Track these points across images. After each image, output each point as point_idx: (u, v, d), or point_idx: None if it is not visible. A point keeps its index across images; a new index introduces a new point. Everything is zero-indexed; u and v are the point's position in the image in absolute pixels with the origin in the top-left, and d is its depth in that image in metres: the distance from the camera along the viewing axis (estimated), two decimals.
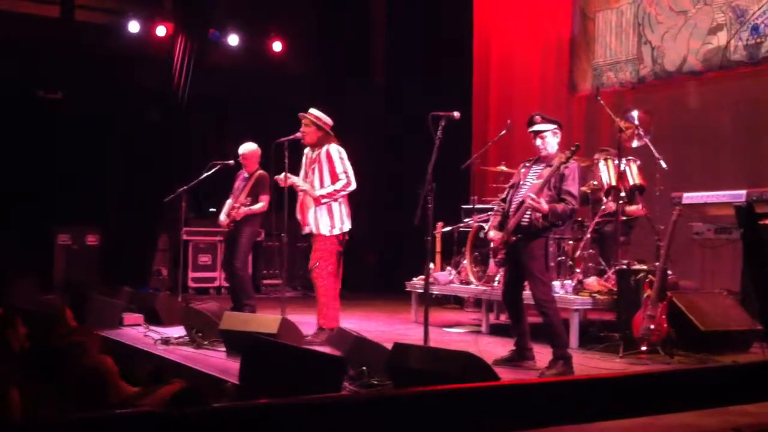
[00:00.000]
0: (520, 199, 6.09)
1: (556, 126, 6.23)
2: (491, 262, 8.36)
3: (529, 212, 5.99)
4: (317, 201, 7.26)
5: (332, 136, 7.42)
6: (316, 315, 7.43)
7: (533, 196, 5.87)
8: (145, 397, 4.57)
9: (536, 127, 6.21)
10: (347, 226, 7.38)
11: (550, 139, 6.20)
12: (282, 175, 7.40)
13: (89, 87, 11.74)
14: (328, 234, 7.28)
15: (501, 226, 6.22)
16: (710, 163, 9.44)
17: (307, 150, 7.52)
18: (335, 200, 7.30)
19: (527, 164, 6.36)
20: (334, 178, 7.28)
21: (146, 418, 2.05)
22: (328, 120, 7.44)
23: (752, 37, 9.07)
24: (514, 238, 6.04)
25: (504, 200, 6.39)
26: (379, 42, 14.36)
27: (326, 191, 7.27)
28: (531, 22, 11.75)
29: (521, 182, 6.26)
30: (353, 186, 7.30)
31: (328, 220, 7.28)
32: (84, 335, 4.14)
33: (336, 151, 7.33)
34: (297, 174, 7.54)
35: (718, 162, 9.37)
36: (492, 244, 6.36)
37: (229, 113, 12.86)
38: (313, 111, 7.45)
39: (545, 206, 5.87)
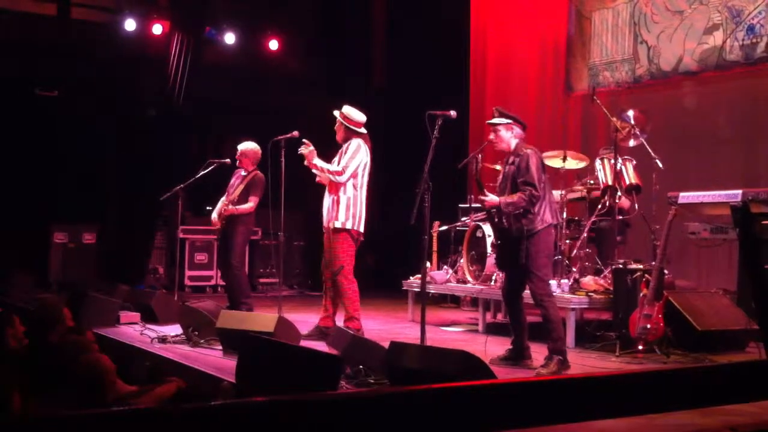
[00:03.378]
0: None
1: (511, 121, 6.29)
2: (488, 261, 8.38)
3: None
4: (313, 165, 7.23)
5: (360, 133, 7.31)
6: (343, 315, 7.36)
7: (483, 198, 6.14)
8: (142, 396, 4.59)
9: (490, 122, 6.36)
10: (350, 224, 7.21)
11: (502, 134, 6.27)
12: (303, 148, 7.29)
13: (86, 85, 11.73)
14: (332, 227, 7.20)
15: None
16: (706, 162, 9.45)
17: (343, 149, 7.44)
18: (324, 177, 7.25)
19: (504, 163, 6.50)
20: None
21: (144, 416, 2.06)
22: (359, 118, 7.32)
23: (748, 37, 9.09)
24: (497, 242, 6.23)
25: None
26: (379, 41, 14.35)
27: (322, 164, 7.22)
28: (527, 22, 11.76)
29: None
30: (341, 179, 7.16)
31: (335, 213, 7.19)
32: (79, 335, 4.15)
33: (355, 144, 7.24)
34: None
35: (714, 162, 9.38)
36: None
37: (226, 112, 12.85)
38: (345, 109, 7.37)
39: (495, 199, 6.07)
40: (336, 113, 7.37)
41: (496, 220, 6.14)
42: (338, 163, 7.23)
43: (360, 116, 7.36)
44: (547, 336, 6.07)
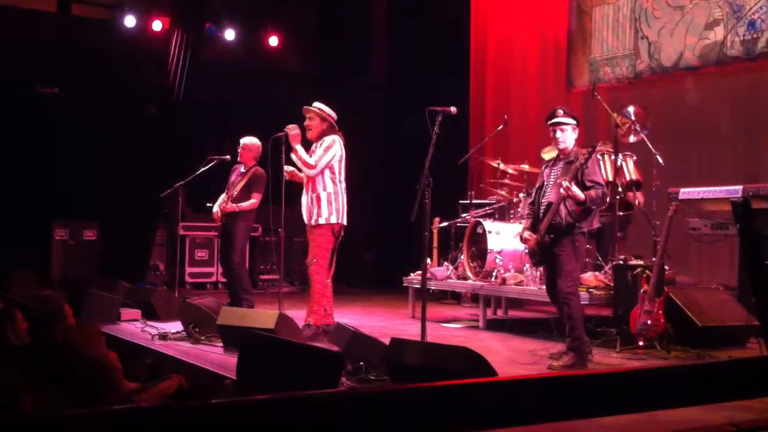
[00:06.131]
0: (548, 201, 6.24)
1: (576, 122, 6.33)
2: (488, 257, 8.38)
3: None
4: (294, 150, 7.25)
5: (336, 129, 7.37)
6: (306, 310, 7.36)
7: (566, 184, 5.96)
8: (143, 393, 4.58)
9: (557, 120, 6.29)
10: (335, 218, 7.24)
11: (569, 134, 6.28)
12: (290, 128, 7.34)
13: (86, 82, 11.72)
14: (314, 224, 7.24)
15: (534, 228, 6.35)
16: (707, 158, 9.45)
17: (313, 146, 7.47)
18: (297, 165, 7.27)
19: (549, 164, 6.49)
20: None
21: (146, 414, 2.05)
22: (333, 113, 7.39)
23: (749, 32, 9.07)
24: (547, 238, 6.17)
25: (533, 203, 6.50)
26: (379, 38, 14.32)
27: (302, 152, 7.24)
28: (528, 17, 11.75)
29: (545, 183, 6.38)
30: (311, 173, 7.21)
31: (317, 209, 7.22)
32: (86, 330, 4.14)
33: (330, 140, 7.27)
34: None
35: (714, 157, 9.39)
36: (526, 247, 6.58)
37: (226, 108, 12.84)
38: (317, 104, 7.41)
39: (581, 194, 5.98)
40: (314, 107, 7.37)
41: (559, 217, 6.10)
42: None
43: (332, 111, 7.42)
44: (567, 332, 6.15)
